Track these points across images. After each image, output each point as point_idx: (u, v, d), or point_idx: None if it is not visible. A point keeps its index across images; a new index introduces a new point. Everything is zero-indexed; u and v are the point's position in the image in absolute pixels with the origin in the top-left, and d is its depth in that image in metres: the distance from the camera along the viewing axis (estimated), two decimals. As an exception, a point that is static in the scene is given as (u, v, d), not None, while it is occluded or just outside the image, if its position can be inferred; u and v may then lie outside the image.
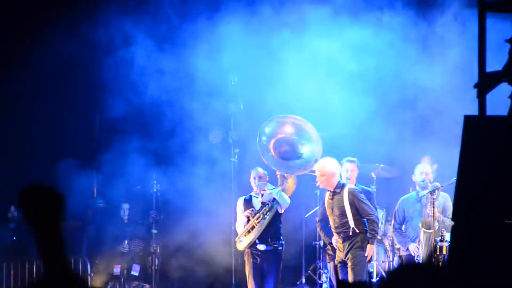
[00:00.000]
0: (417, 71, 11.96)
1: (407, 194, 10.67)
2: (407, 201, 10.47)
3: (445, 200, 10.20)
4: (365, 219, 9.41)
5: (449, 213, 10.13)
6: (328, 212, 9.65)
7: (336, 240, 9.77)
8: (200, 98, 12.26)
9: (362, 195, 9.59)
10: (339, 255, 9.54)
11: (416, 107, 12.19)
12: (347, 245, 9.43)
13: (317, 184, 9.71)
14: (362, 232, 9.38)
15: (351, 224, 9.40)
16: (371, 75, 11.95)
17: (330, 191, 9.61)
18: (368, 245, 9.38)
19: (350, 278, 9.31)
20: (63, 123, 13.33)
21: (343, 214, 9.45)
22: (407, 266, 3.26)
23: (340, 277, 9.46)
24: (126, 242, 12.56)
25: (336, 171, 9.59)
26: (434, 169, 10.68)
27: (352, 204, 9.41)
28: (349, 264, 9.36)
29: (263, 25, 11.95)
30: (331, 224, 9.63)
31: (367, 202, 9.53)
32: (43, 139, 13.31)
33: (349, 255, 9.39)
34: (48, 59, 12.58)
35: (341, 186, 9.55)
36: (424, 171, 10.31)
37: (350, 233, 9.40)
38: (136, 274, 12.58)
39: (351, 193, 9.46)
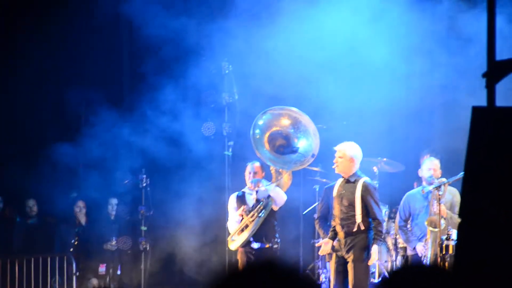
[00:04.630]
0: (427, 64, 11.99)
1: (413, 189, 10.62)
2: (413, 197, 10.37)
3: (453, 196, 10.15)
4: (370, 219, 9.33)
5: (457, 210, 10.11)
6: (336, 201, 9.44)
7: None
8: (192, 89, 12.25)
9: (377, 193, 9.40)
10: (339, 252, 9.38)
11: (422, 100, 12.22)
12: (349, 241, 9.25)
13: (333, 167, 9.56)
14: (367, 231, 9.23)
15: (358, 219, 9.23)
16: (374, 65, 11.93)
17: (344, 179, 9.47)
18: (374, 246, 9.20)
19: (351, 279, 9.24)
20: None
21: (351, 206, 9.27)
22: (411, 267, 3.24)
23: (335, 276, 9.40)
24: (114, 239, 12.53)
25: (356, 158, 9.39)
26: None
27: (363, 199, 9.25)
28: (351, 264, 9.20)
29: (261, 10, 11.93)
30: (336, 214, 9.43)
31: (379, 203, 9.36)
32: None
33: (351, 254, 9.22)
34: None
35: (357, 176, 9.39)
36: (432, 167, 10.21)
37: (355, 229, 9.23)
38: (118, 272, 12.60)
39: (366, 187, 9.27)
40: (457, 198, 10.09)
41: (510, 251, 3.86)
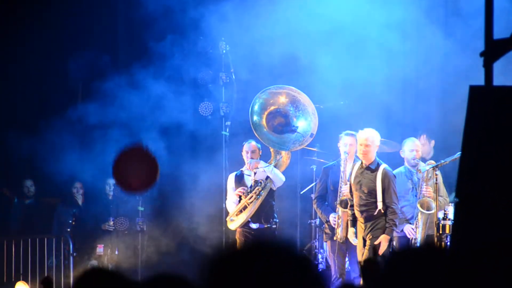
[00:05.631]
0: (425, 41, 11.97)
1: (396, 169, 10.53)
2: (398, 178, 10.35)
3: (438, 178, 10.14)
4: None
5: (442, 192, 10.07)
6: (354, 188, 9.53)
7: (333, 217, 9.84)
8: (189, 69, 12.22)
9: (395, 181, 9.51)
10: (361, 234, 9.48)
11: (420, 80, 12.21)
12: (369, 225, 9.37)
13: (359, 154, 9.59)
14: (386, 215, 9.36)
15: (379, 205, 9.35)
16: (372, 42, 11.91)
17: (362, 165, 9.53)
18: (383, 235, 9.30)
19: (365, 254, 9.32)
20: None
21: (371, 194, 9.38)
22: (406, 251, 3.25)
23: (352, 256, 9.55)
24: (111, 220, 12.53)
25: (378, 145, 9.55)
26: (432, 146, 10.66)
27: (383, 186, 9.35)
28: (368, 242, 9.33)
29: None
30: (355, 201, 9.53)
31: (396, 190, 9.46)
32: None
33: (370, 234, 9.34)
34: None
35: (376, 163, 9.48)
36: (414, 148, 10.19)
37: (375, 213, 9.35)
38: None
39: (386, 175, 9.38)
40: (440, 179, 10.03)
41: (506, 231, 3.86)
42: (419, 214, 9.72)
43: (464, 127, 4.04)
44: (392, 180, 9.40)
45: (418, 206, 9.72)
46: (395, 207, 9.35)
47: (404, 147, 10.28)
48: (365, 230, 9.40)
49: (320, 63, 11.65)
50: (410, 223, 9.91)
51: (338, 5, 11.74)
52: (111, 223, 12.50)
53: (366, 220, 9.41)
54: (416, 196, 9.90)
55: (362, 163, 9.53)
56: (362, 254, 9.47)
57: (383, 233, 9.30)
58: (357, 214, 9.52)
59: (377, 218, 9.35)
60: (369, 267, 2.94)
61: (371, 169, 9.45)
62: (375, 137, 9.51)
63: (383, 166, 9.48)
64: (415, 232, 9.79)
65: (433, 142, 10.66)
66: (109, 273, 3.54)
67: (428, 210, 9.66)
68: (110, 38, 13.38)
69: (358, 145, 9.58)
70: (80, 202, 12.96)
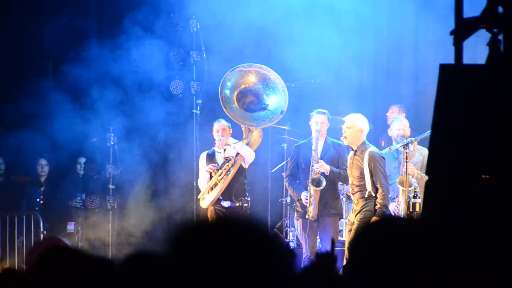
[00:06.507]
0: (396, 16, 11.99)
1: (382, 150, 10.59)
2: (386, 158, 10.37)
3: (424, 156, 10.19)
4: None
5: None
6: (348, 172, 9.68)
7: (305, 195, 9.87)
8: (159, 47, 12.16)
9: (383, 162, 9.54)
10: (351, 217, 9.59)
11: (391, 54, 12.23)
12: (359, 207, 9.45)
13: (342, 138, 9.66)
14: (377, 197, 9.43)
15: (368, 187, 9.41)
16: (347, 15, 11.91)
17: (352, 150, 9.62)
18: (374, 217, 9.31)
19: (348, 239, 9.38)
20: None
21: (361, 176, 9.46)
22: (383, 220, 3.27)
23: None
24: (78, 196, 12.48)
25: (364, 129, 9.55)
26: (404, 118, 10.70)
27: (369, 168, 9.41)
28: (355, 224, 9.37)
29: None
30: (350, 184, 9.65)
31: (384, 171, 9.51)
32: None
33: (358, 215, 9.42)
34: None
35: (363, 147, 9.53)
36: (401, 127, 10.23)
37: (366, 195, 9.41)
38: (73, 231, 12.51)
39: (372, 156, 9.43)
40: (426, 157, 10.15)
41: (475, 208, 3.87)
42: (400, 191, 9.79)
43: (434, 106, 4.04)
44: (378, 162, 9.46)
45: (397, 184, 9.78)
46: (384, 189, 9.41)
47: (391, 126, 10.38)
48: (356, 211, 9.49)
49: (295, 38, 11.65)
50: (394, 202, 10.00)
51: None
52: (81, 200, 12.46)
53: (358, 202, 9.50)
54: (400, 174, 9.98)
55: (352, 149, 9.63)
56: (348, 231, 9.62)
57: (373, 215, 9.36)
58: (352, 197, 9.67)
59: (368, 199, 9.42)
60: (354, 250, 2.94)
61: (358, 152, 9.53)
62: (357, 121, 9.55)
63: (370, 149, 9.53)
64: (399, 210, 9.86)
65: (403, 114, 10.73)
66: (70, 251, 3.51)
67: (408, 187, 9.72)
68: (83, 5, 13.24)
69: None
70: (44, 179, 12.85)
